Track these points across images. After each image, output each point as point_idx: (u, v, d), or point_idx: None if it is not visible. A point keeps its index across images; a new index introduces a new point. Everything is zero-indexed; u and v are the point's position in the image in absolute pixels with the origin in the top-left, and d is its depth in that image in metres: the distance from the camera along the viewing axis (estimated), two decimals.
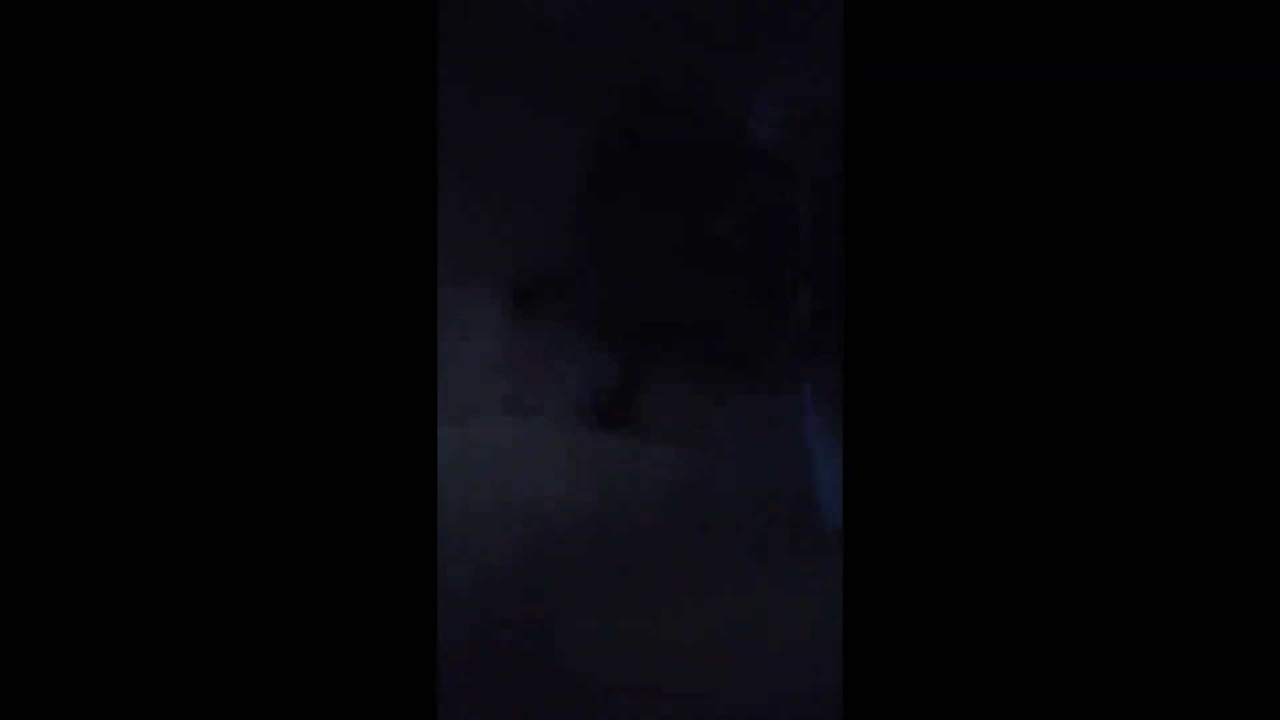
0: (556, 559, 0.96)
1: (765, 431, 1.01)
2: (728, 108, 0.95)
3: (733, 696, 0.87)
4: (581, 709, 0.83)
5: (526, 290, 0.98)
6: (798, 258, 0.93)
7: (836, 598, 0.82)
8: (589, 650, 0.85)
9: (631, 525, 0.97)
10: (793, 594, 0.90)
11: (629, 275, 0.95)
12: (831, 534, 1.04)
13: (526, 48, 0.96)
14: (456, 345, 0.95)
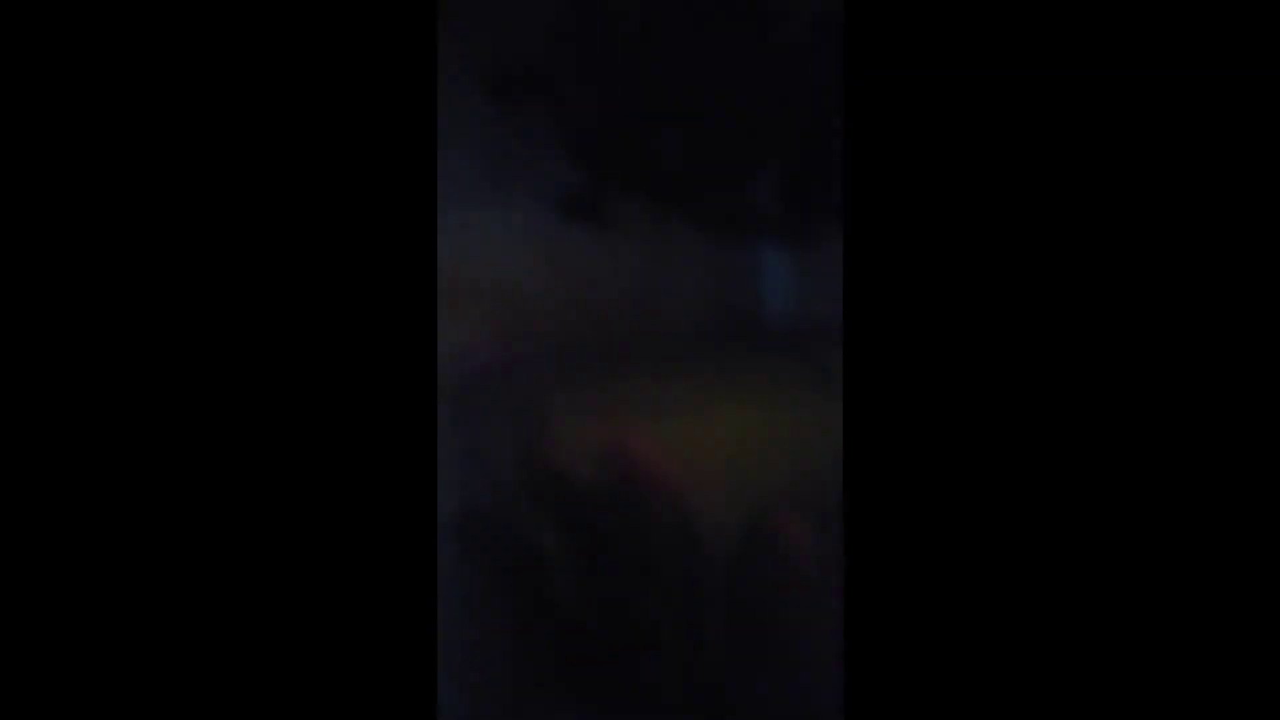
0: (529, 339, 1.02)
1: (719, 247, 1.05)
2: None
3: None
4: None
5: (509, 82, 0.98)
6: (773, 122, 0.93)
7: (787, 398, 0.90)
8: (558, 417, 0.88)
9: (596, 314, 1.03)
10: (733, 382, 0.95)
11: (609, 82, 0.95)
12: (777, 331, 1.12)
13: None
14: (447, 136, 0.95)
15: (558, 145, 0.99)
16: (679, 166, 0.96)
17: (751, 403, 0.93)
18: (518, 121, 1.00)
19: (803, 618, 0.96)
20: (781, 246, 1.09)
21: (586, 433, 0.88)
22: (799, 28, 0.94)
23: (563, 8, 0.98)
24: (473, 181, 1.00)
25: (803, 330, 1.11)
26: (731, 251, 1.07)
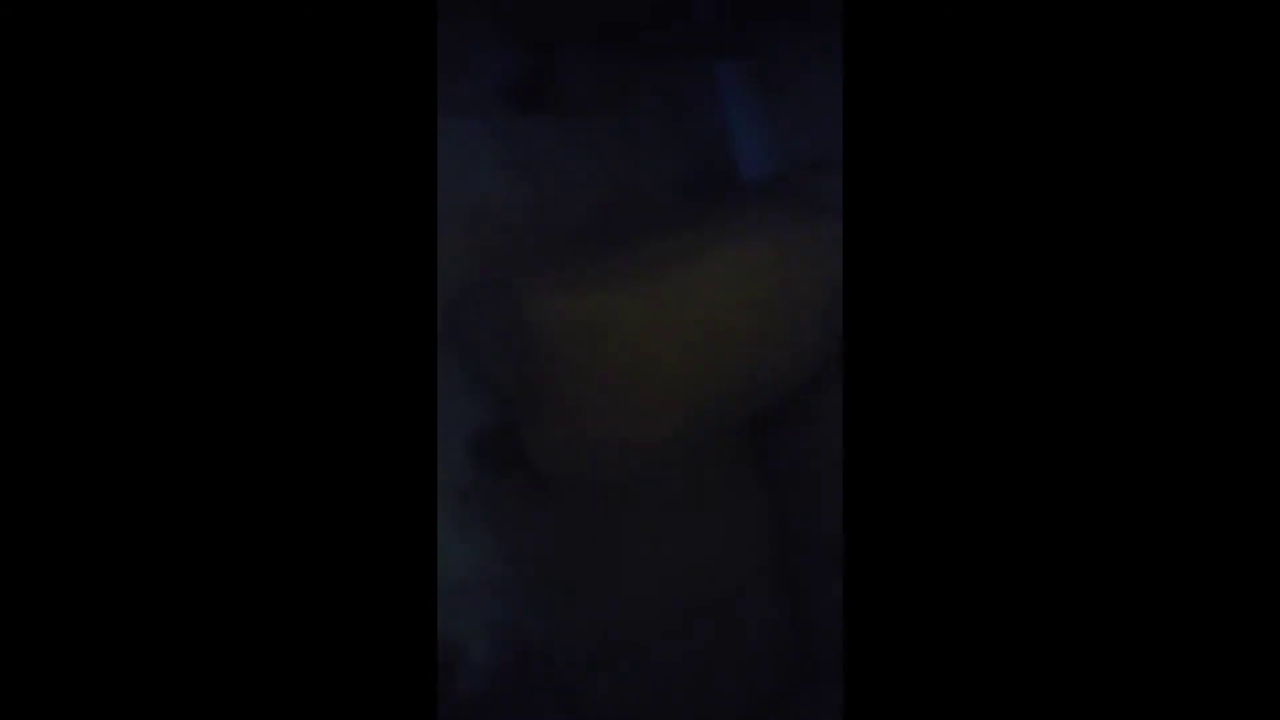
0: (509, 253, 1.01)
1: (681, 109, 1.01)
2: None
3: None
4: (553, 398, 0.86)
5: None
6: None
7: (765, 252, 0.88)
8: (556, 328, 0.86)
9: (570, 212, 1.01)
10: (720, 240, 0.94)
11: None
12: (748, 182, 1.09)
13: None
14: None
15: (501, 33, 0.95)
16: (619, 14, 0.91)
17: (737, 250, 0.91)
18: (458, 23, 0.97)
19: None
20: (743, 84, 1.05)
21: (574, 312, 0.86)
22: None
23: None
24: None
25: (779, 168, 1.09)
26: (694, 106, 1.03)
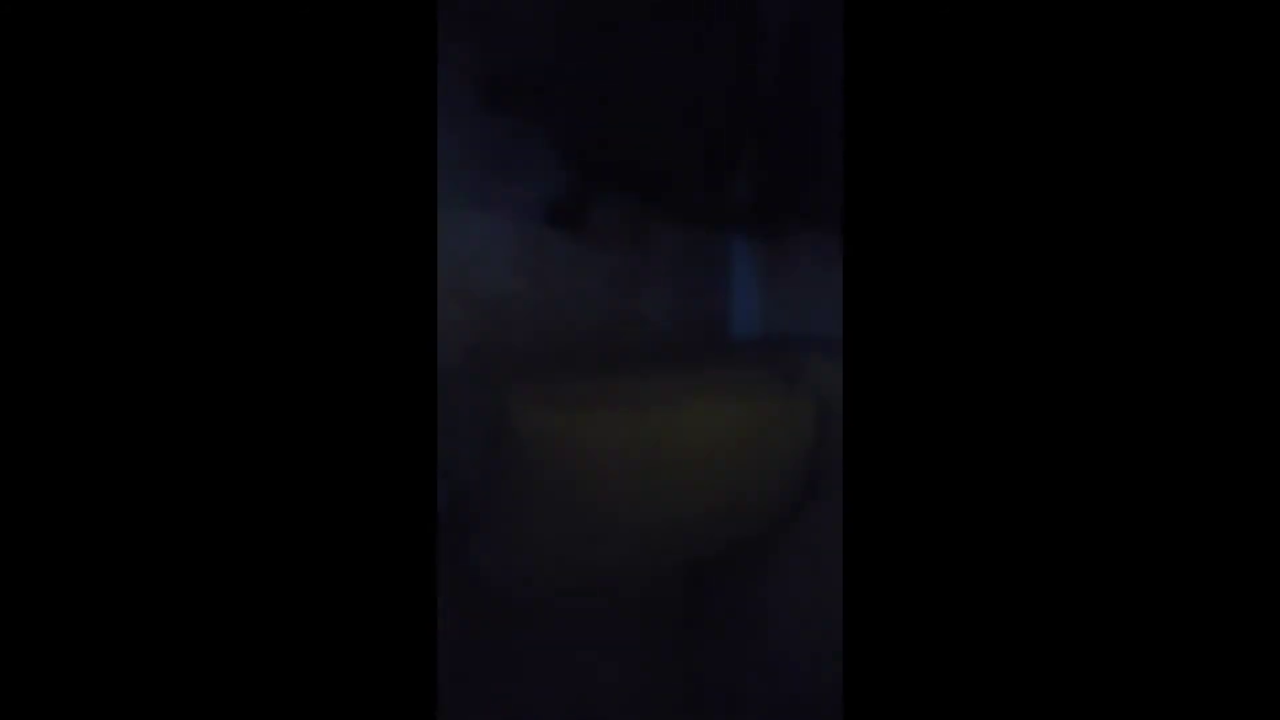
0: (506, 344, 1.05)
1: (694, 263, 1.09)
2: None
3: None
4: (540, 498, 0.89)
5: (499, 85, 1.02)
6: (752, 119, 0.98)
7: (752, 398, 0.92)
8: (533, 437, 0.88)
9: (572, 322, 1.06)
10: (705, 389, 0.97)
11: (596, 93, 0.99)
12: (740, 342, 1.16)
13: None
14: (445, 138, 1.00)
15: (547, 149, 1.03)
16: (661, 167, 0.99)
17: (720, 401, 0.96)
18: (510, 125, 1.04)
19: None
20: (751, 255, 1.13)
21: (553, 426, 0.89)
22: (782, 35, 0.99)
23: (556, 15, 1.02)
24: (465, 183, 1.04)
25: (769, 337, 1.15)
26: (705, 263, 1.11)
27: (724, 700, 1.05)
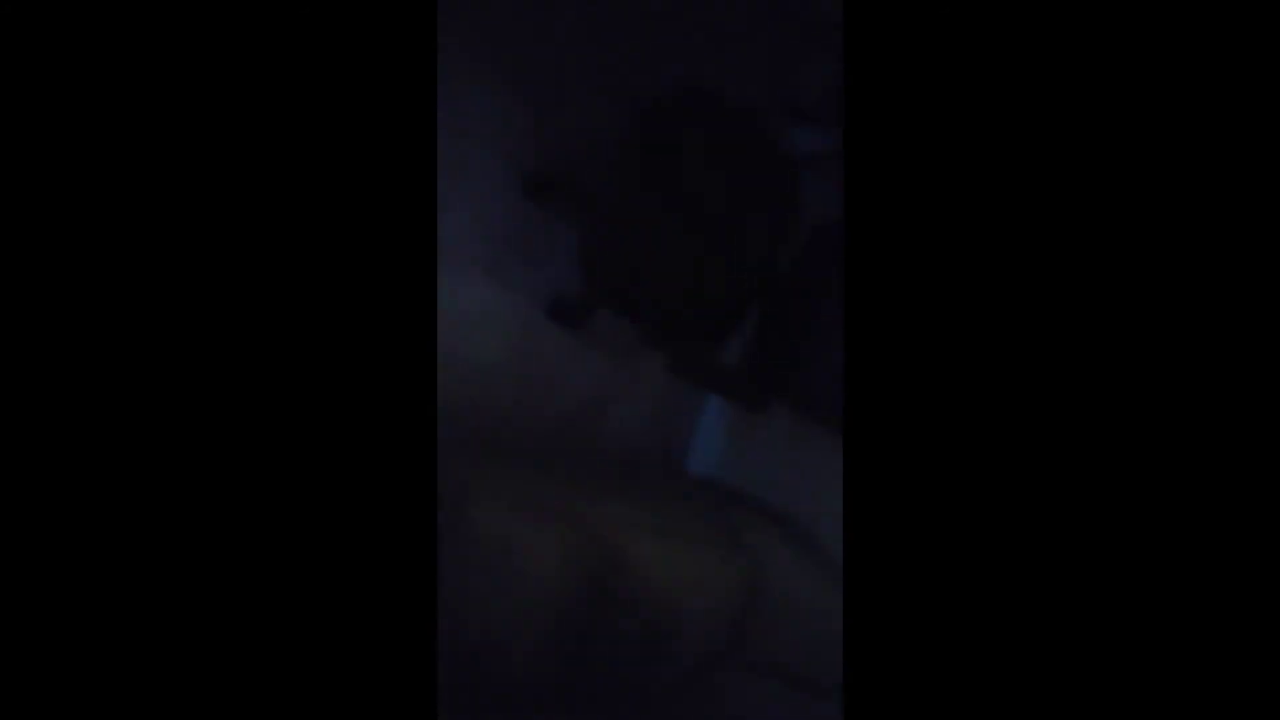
0: (484, 411, 1.05)
1: (670, 390, 1.11)
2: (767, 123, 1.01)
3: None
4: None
5: (536, 183, 1.05)
6: (765, 296, 1.01)
7: (700, 540, 0.93)
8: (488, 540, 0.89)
9: (551, 412, 1.07)
10: (656, 523, 0.98)
11: (630, 208, 1.02)
12: (695, 474, 1.17)
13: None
14: (458, 225, 1.02)
15: (567, 247, 1.05)
16: (668, 302, 1.02)
17: (662, 543, 0.97)
18: (539, 215, 1.06)
19: None
20: (730, 407, 1.15)
21: (506, 524, 0.90)
22: (814, 205, 1.03)
23: (607, 122, 1.05)
24: (474, 252, 1.06)
25: (722, 489, 1.16)
26: (681, 395, 1.13)
27: None
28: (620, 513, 0.97)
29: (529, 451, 1.05)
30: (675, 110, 0.99)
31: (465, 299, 1.03)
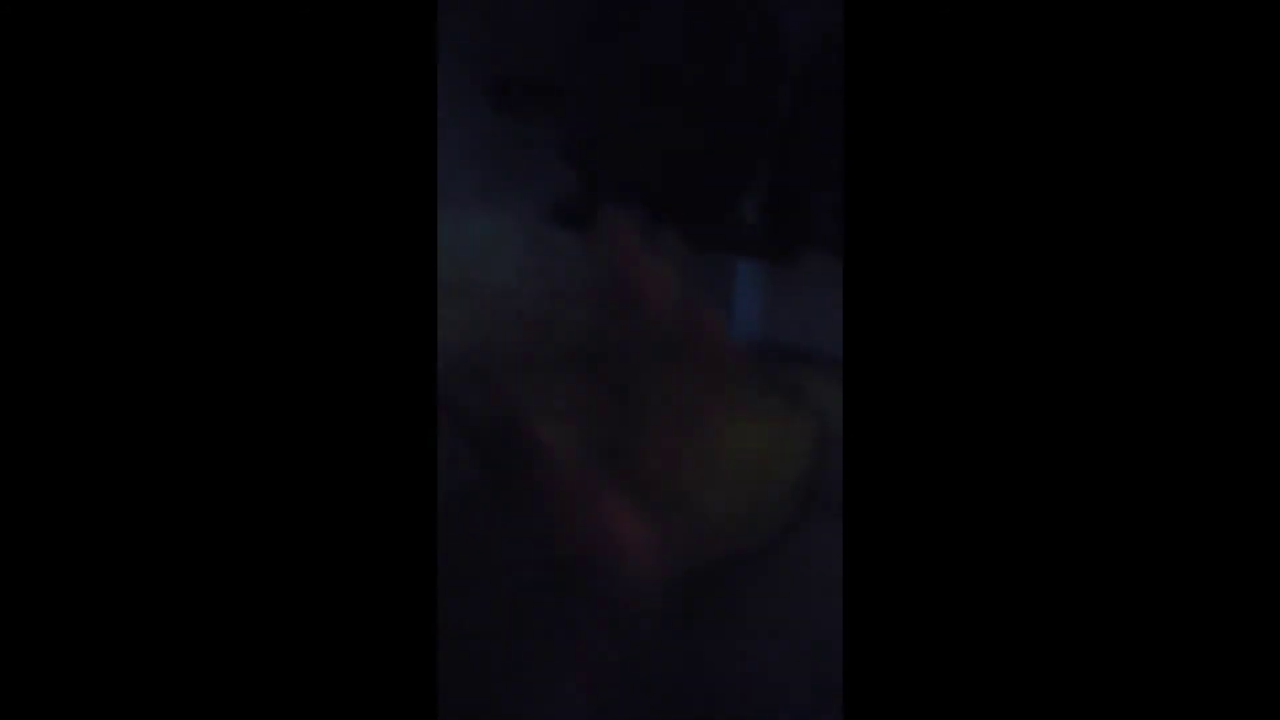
0: (509, 342, 1.03)
1: (697, 271, 1.08)
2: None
3: None
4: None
5: (509, 85, 1.01)
6: (767, 141, 0.96)
7: (753, 414, 0.93)
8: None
9: (577, 321, 1.05)
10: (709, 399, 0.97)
11: (608, 95, 0.98)
12: (742, 354, 1.15)
13: None
14: (446, 138, 0.97)
15: (554, 151, 1.01)
16: (669, 179, 0.98)
17: (720, 418, 0.95)
18: (516, 126, 1.02)
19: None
20: (755, 270, 1.13)
21: (551, 432, 0.89)
22: (798, 46, 0.98)
23: (565, 16, 1.00)
24: (469, 184, 1.02)
25: (770, 354, 1.15)
26: (709, 270, 1.10)
27: (709, 708, 1.07)
28: (669, 397, 0.95)
29: (565, 358, 1.04)
30: None
31: (468, 229, 1.00)
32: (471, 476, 0.91)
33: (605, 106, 0.94)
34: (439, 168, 0.99)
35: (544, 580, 0.92)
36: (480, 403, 0.94)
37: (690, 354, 1.08)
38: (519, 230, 1.00)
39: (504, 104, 0.97)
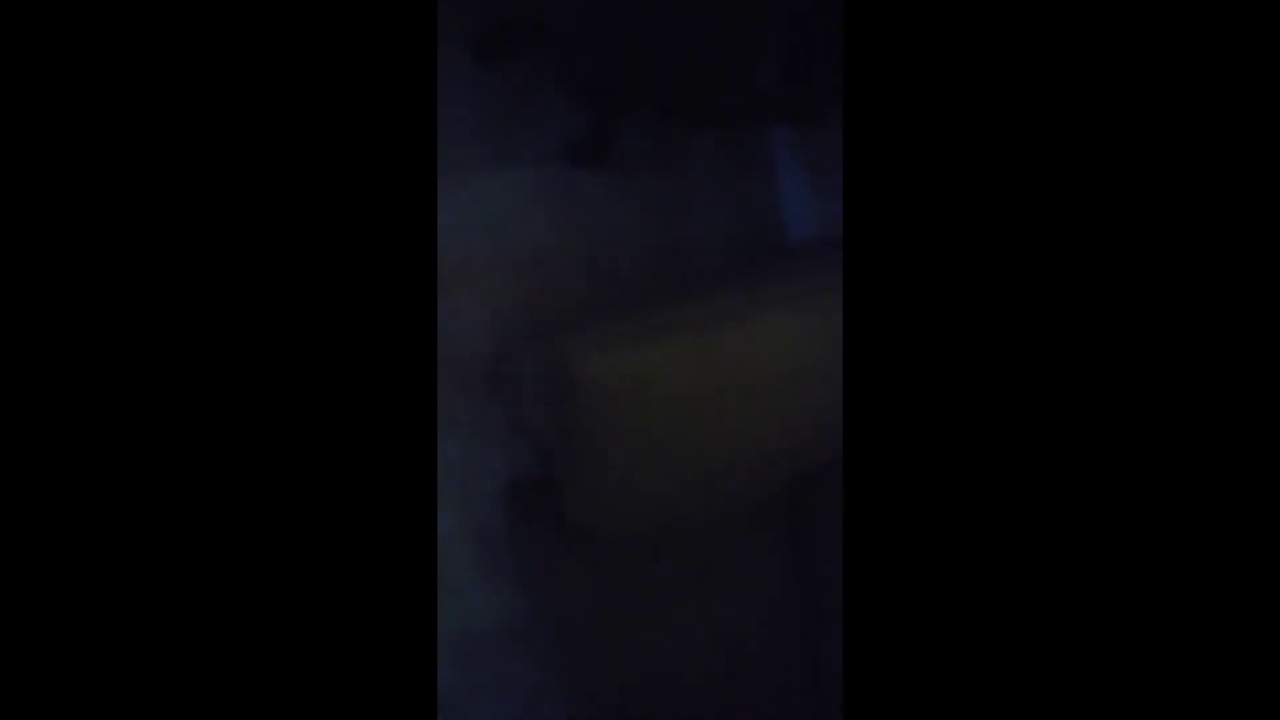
0: (556, 304, 1.02)
1: (736, 172, 1.03)
2: None
3: None
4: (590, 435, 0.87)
5: (494, 36, 0.97)
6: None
7: (820, 310, 0.89)
8: (600, 383, 0.86)
9: (619, 267, 1.03)
10: (767, 303, 0.94)
11: (599, 20, 0.93)
12: (800, 246, 1.11)
13: None
14: (444, 99, 0.95)
15: (560, 88, 0.97)
16: (683, 75, 0.93)
17: (784, 314, 0.92)
18: (517, 74, 0.99)
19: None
20: (794, 148, 1.08)
21: (618, 368, 0.87)
22: None
23: None
24: (476, 143, 1.00)
25: (829, 236, 1.11)
26: (747, 166, 1.06)
27: (825, 620, 1.06)
28: (727, 305, 0.92)
29: (614, 297, 1.02)
30: None
31: (491, 191, 0.98)
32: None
33: (606, 28, 0.89)
34: (445, 142, 0.97)
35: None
36: (541, 361, 0.93)
37: (744, 258, 1.04)
38: (542, 182, 0.97)
39: (505, 49, 0.93)
